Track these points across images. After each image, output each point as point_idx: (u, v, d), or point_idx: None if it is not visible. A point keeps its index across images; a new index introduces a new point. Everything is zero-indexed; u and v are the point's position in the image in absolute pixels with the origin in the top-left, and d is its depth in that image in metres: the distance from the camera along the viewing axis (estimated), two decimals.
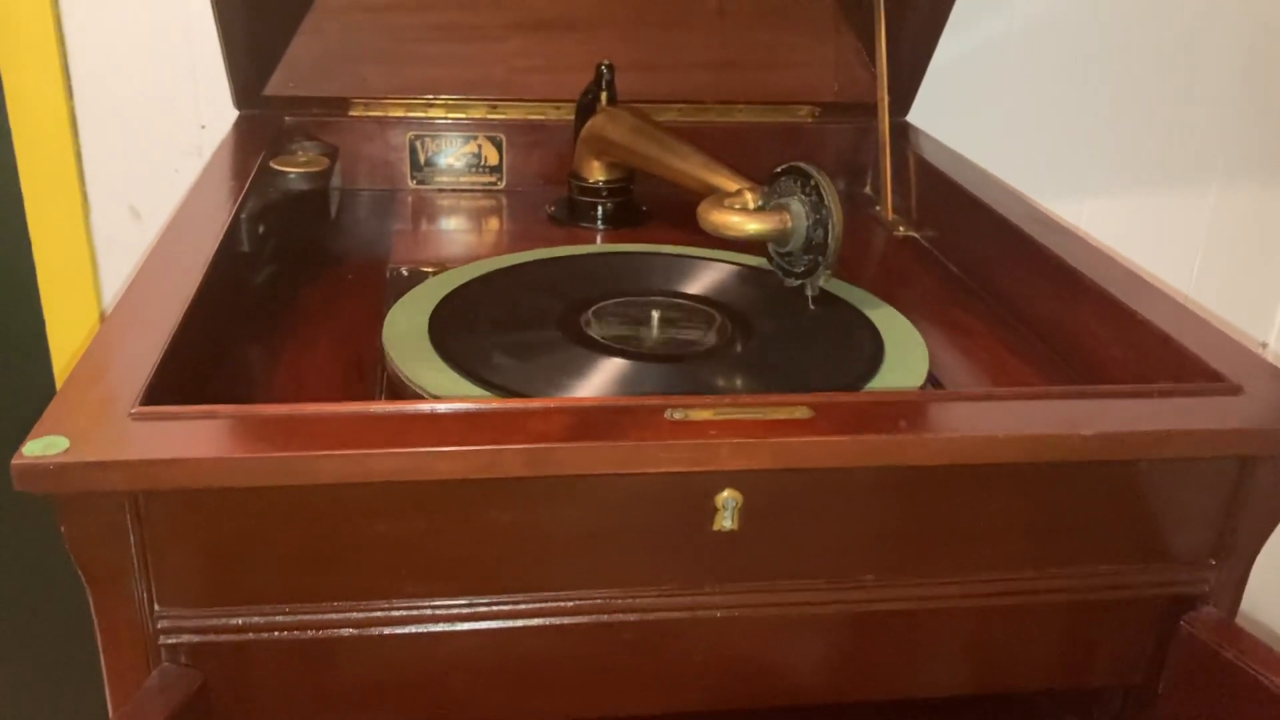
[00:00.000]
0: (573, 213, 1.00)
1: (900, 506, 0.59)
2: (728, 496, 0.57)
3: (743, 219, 0.77)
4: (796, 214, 0.76)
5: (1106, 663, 0.66)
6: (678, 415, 0.56)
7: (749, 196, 0.79)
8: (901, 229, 1.01)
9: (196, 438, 0.52)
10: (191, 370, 0.63)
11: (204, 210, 0.79)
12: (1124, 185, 1.30)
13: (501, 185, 1.06)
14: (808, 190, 0.76)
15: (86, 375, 0.56)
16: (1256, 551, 0.63)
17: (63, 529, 0.52)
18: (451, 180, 1.06)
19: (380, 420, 0.54)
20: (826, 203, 0.75)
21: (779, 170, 0.78)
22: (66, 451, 0.49)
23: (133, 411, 0.53)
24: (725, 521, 0.57)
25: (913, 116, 1.12)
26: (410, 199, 1.04)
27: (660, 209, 1.02)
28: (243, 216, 0.78)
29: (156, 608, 0.55)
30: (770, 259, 0.82)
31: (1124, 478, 0.60)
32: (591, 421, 0.55)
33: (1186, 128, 1.28)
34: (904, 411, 0.58)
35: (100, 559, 0.53)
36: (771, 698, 0.64)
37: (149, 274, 0.68)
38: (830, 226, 0.75)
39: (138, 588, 0.54)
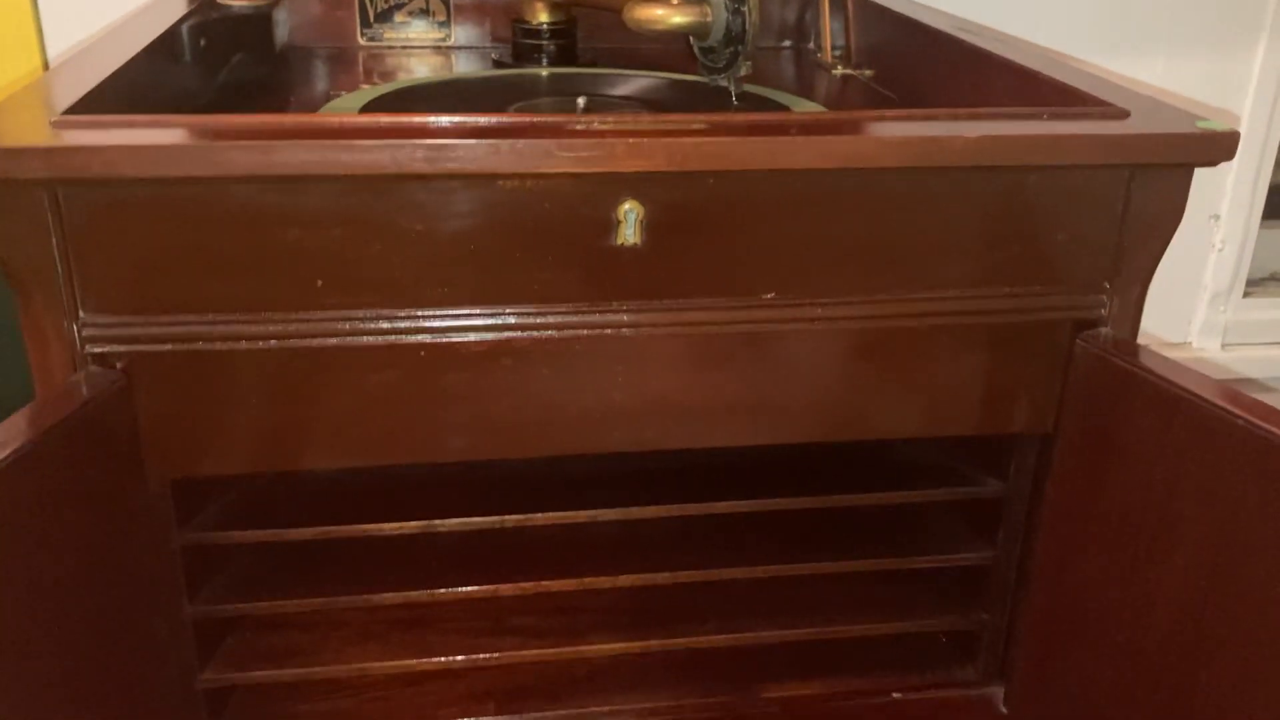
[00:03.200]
0: (517, 56, 1.02)
1: (797, 223, 0.62)
2: (629, 208, 0.59)
3: (666, 11, 0.80)
4: (716, 5, 0.79)
5: (1017, 404, 0.68)
6: (580, 126, 0.58)
7: None
8: (840, 68, 1.03)
9: (114, 135, 0.54)
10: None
11: (142, 23, 0.82)
12: (1073, 56, 1.32)
13: (451, 41, 1.09)
14: None
15: (11, 102, 0.59)
16: (1148, 275, 0.65)
17: None
18: (401, 37, 1.08)
19: (292, 125, 0.56)
20: None
21: None
22: None
23: (54, 120, 0.55)
24: (628, 234, 0.60)
25: None
26: (361, 55, 1.07)
27: (602, 60, 1.04)
28: (183, 26, 0.81)
29: (81, 314, 0.57)
30: (697, 60, 0.84)
31: (1017, 193, 0.62)
32: (496, 127, 0.57)
33: None
34: (796, 123, 0.60)
35: (23, 258, 0.55)
36: (690, 437, 0.66)
37: (83, 53, 0.71)
38: (747, 14, 0.77)
39: (62, 291, 0.56)
